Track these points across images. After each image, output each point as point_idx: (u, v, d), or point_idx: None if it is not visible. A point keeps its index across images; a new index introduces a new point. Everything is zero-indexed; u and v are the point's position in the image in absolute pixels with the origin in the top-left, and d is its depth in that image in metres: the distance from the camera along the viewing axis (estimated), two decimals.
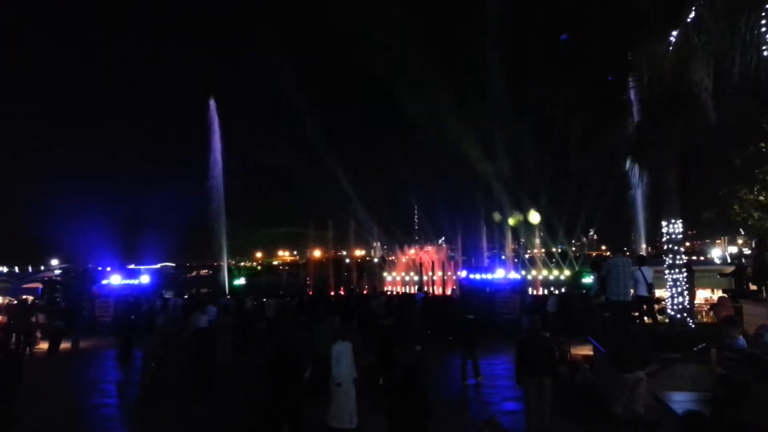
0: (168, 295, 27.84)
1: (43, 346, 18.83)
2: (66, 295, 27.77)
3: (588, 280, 26.07)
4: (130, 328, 16.96)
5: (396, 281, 46.92)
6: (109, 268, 31.86)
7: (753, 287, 14.14)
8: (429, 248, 48.33)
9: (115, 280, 26.22)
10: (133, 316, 18.11)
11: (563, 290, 34.37)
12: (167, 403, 11.39)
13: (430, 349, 14.16)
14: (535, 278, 42.79)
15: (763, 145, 14.84)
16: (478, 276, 24.43)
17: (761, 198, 15.05)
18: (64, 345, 18.71)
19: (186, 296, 26.54)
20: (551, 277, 42.06)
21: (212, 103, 32.55)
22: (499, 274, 24.45)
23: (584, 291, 22.66)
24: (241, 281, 43.47)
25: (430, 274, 43.97)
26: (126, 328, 17.09)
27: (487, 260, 42.93)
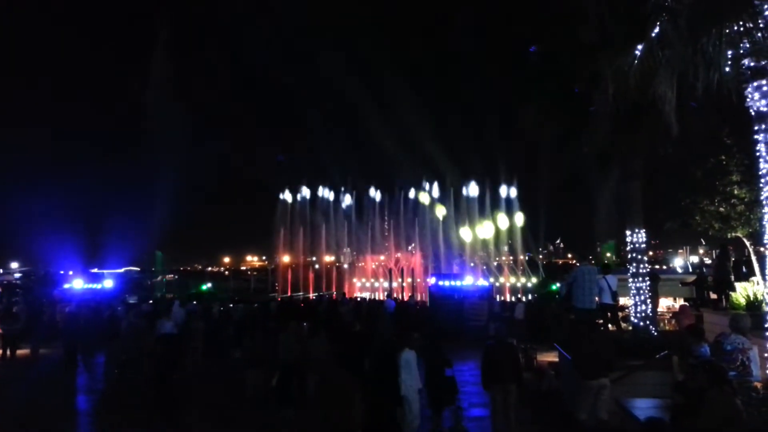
0: (132, 299, 27.21)
1: None
2: (25, 299, 26.92)
3: (555, 286, 26.43)
4: (75, 334, 16.37)
5: (365, 287, 46.80)
6: (71, 272, 30.98)
7: (713, 296, 14.52)
8: (399, 254, 48.32)
9: (78, 284, 25.48)
10: (81, 322, 17.60)
11: (531, 297, 34.87)
12: (129, 410, 11.11)
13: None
14: (503, 285, 43.35)
15: (723, 158, 15.28)
16: (447, 283, 24.42)
17: (721, 209, 15.46)
18: (23, 351, 18.13)
19: (151, 301, 25.98)
20: (518, 285, 42.71)
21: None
22: (468, 281, 24.49)
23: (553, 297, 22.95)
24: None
25: (400, 280, 44.00)
26: (71, 334, 16.51)
27: (457, 267, 43.13)
